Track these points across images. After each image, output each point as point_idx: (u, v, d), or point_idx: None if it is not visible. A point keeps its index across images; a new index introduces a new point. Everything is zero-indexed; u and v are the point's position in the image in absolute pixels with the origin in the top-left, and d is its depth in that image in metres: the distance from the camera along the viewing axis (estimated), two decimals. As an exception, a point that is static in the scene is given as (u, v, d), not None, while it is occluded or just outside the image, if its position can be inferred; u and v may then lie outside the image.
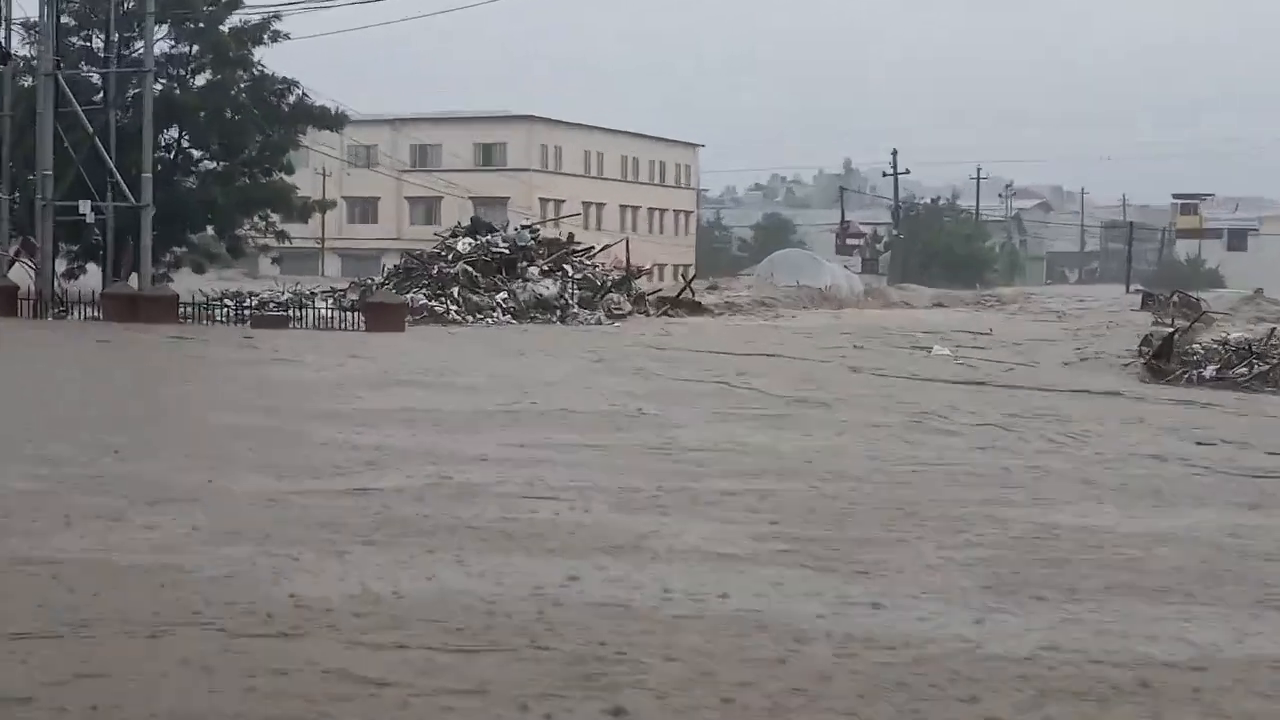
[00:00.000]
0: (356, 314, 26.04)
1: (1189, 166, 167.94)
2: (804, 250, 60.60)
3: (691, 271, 56.22)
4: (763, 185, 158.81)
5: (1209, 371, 19.48)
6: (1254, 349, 20.06)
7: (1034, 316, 39.46)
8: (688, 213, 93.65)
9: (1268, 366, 19.06)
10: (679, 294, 37.54)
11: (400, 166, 78.63)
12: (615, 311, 31.86)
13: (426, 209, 78.26)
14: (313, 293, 31.33)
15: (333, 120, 36.06)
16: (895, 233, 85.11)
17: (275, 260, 38.33)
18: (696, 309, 35.60)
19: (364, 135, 69.70)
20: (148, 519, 6.84)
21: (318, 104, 35.31)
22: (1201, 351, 20.85)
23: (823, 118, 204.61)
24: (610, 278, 34.42)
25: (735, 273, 67.05)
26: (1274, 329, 21.94)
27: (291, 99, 34.58)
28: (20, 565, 5.79)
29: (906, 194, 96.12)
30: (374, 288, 30.65)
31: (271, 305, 28.83)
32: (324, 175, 71.75)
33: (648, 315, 33.43)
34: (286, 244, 37.45)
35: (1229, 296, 44.32)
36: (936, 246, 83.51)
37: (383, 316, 24.60)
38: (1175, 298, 38.24)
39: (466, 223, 36.61)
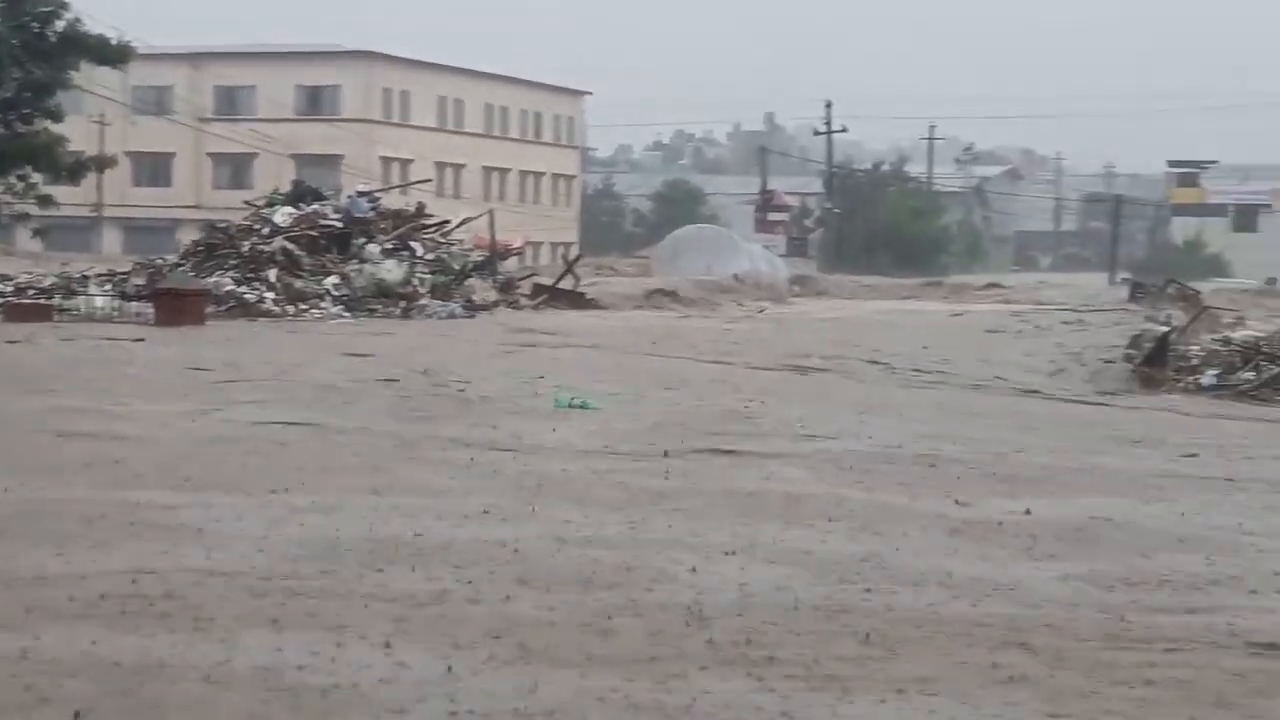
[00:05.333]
0: (142, 303, 25.66)
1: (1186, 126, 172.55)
2: (716, 227, 61.01)
3: (575, 250, 56.44)
4: (665, 144, 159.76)
5: (1208, 378, 20.05)
6: (1263, 350, 20.68)
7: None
8: (569, 177, 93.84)
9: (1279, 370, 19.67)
10: (558, 279, 37.57)
11: (201, 114, 77.65)
12: (477, 301, 31.81)
13: (234, 169, 77.38)
14: (85, 275, 30.84)
15: (115, 54, 35.66)
16: (829, 205, 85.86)
17: (37, 233, 37.77)
18: (579, 302, 35.27)
19: (155, 74, 68.72)
20: None
21: (94, 33, 34.95)
22: (1201, 354, 21.46)
23: (740, 60, 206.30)
24: (471, 259, 34.36)
25: (630, 252, 67.18)
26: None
27: (60, 25, 34.19)
28: None
29: (844, 157, 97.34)
30: (166, 269, 30.27)
31: (31, 291, 28.34)
32: (102, 125, 70.59)
33: (518, 306, 33.39)
34: (53, 212, 37.01)
35: (1233, 287, 45.58)
36: (879, 224, 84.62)
37: (177, 307, 24.26)
38: (1170, 289, 39.26)
39: (287, 188, 36.27)
